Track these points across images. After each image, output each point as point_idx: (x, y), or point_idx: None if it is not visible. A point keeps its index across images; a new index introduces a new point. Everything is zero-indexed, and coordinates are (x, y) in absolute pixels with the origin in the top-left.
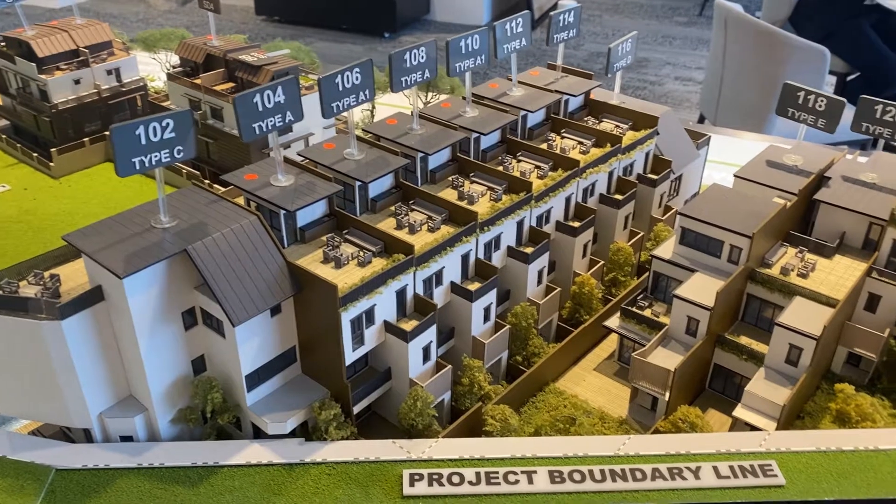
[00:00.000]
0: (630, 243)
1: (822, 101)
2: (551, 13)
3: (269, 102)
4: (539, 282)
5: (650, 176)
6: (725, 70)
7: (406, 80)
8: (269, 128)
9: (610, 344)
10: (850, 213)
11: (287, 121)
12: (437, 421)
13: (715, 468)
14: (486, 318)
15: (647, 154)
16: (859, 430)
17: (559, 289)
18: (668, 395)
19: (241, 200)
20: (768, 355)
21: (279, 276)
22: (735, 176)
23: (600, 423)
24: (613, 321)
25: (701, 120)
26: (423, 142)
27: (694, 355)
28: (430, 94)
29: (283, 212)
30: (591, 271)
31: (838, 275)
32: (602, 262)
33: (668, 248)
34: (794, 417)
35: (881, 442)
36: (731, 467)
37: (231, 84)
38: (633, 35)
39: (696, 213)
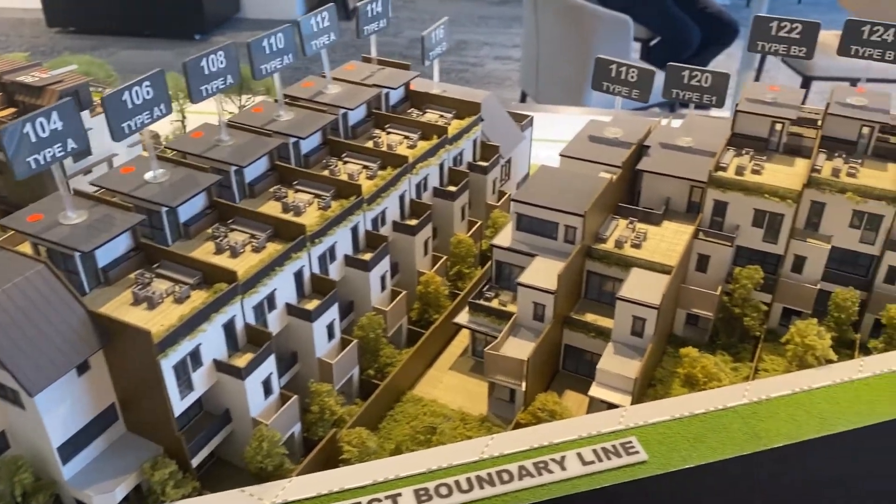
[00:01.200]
0: (469, 234)
1: (633, 72)
2: (358, 3)
3: (44, 131)
4: (383, 288)
5: (480, 163)
6: (540, 46)
7: (206, 90)
8: (48, 160)
9: (462, 340)
10: (672, 179)
11: (69, 149)
12: (289, 458)
13: (579, 455)
14: (331, 336)
15: (475, 141)
16: (708, 391)
17: (405, 291)
18: (524, 385)
19: (26, 247)
20: (614, 330)
21: (81, 329)
22: (561, 155)
23: (462, 426)
24: (463, 317)
25: (523, 98)
26: (235, 153)
27: (544, 340)
28: (244, 98)
29: (77, 253)
30: (435, 268)
31: (669, 241)
32: (445, 256)
33: (506, 236)
34: (646, 387)
35: (728, 399)
36: (595, 451)
37: (12, 109)
38: (445, 21)
39: (528, 198)
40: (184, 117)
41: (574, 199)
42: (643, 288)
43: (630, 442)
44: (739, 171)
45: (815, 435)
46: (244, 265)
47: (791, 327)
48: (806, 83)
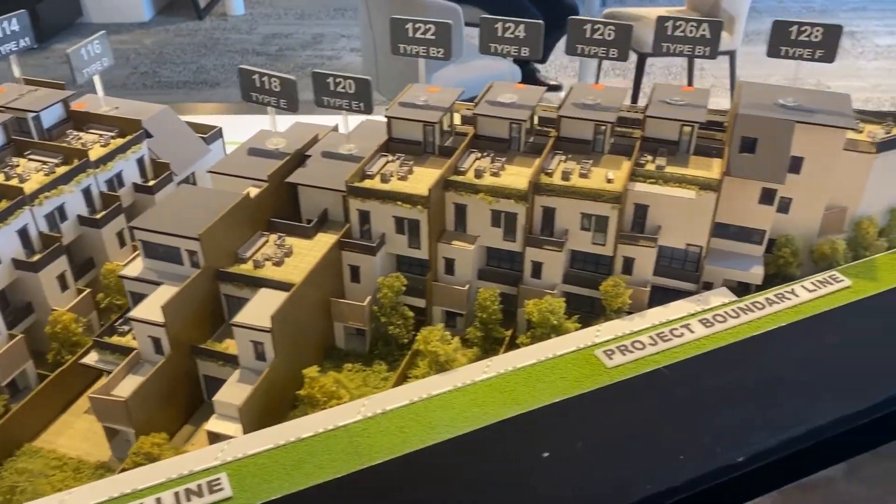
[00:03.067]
0: (129, 260)
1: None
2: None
3: None
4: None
5: (147, 184)
6: (376, 37)
7: None
8: None
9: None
10: (325, 191)
11: None
12: None
13: (158, 500)
14: None
15: (142, 160)
16: (319, 412)
17: (21, 335)
18: (131, 427)
19: None
20: (239, 356)
21: None
22: (209, 171)
23: (73, 475)
24: (92, 356)
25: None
26: None
27: (158, 375)
28: None
29: None
30: (74, 303)
31: (316, 255)
32: (88, 290)
33: (138, 264)
34: (268, 414)
35: (342, 418)
36: (176, 493)
37: None
38: (101, 35)
39: (147, 223)
40: None
41: (197, 221)
42: (261, 310)
43: (218, 479)
44: (385, 178)
45: (420, 446)
46: None
47: (419, 334)
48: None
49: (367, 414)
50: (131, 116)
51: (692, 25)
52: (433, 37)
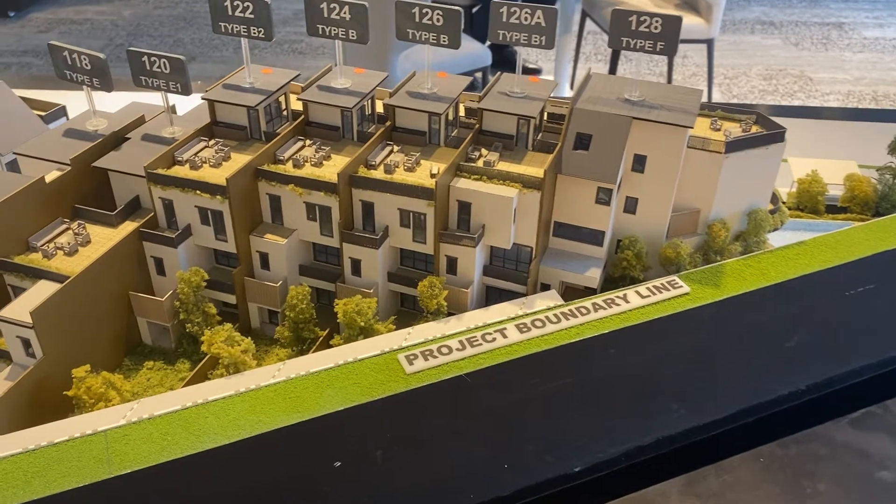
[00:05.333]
0: None
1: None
2: None
3: None
4: None
5: None
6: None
7: None
8: None
9: None
10: (122, 175)
11: None
12: None
13: None
14: None
15: None
16: (84, 415)
17: None
18: None
19: None
20: (10, 352)
21: None
22: (14, 153)
23: None
24: None
25: None
26: None
27: None
28: None
29: None
30: None
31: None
32: None
33: None
34: (38, 417)
35: (103, 422)
36: None
37: None
38: None
39: None
40: None
41: None
42: (33, 302)
43: None
44: (194, 165)
45: (180, 454)
46: None
47: (204, 335)
48: None
49: (133, 419)
50: None
51: (527, 13)
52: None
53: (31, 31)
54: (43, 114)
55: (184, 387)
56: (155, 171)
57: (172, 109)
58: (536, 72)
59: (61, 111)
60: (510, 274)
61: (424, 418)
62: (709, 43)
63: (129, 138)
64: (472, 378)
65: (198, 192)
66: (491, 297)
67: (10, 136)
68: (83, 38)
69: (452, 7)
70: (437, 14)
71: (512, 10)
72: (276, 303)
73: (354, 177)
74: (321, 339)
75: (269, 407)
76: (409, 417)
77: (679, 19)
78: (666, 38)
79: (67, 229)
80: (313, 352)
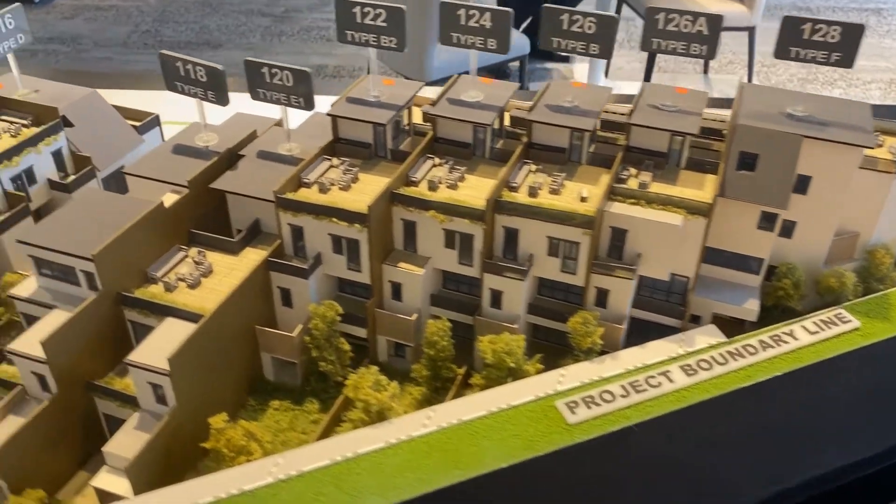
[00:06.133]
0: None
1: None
2: None
3: None
4: None
5: (65, 181)
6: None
7: None
8: None
9: None
10: (259, 200)
11: None
12: None
13: None
14: None
15: (59, 153)
16: (225, 471)
17: None
18: (3, 481)
19: None
20: (139, 398)
21: None
22: (123, 173)
23: None
24: None
25: None
26: None
27: (42, 419)
28: None
29: None
30: None
31: (238, 276)
32: None
33: (31, 283)
34: (169, 467)
35: (248, 480)
36: None
37: None
38: (17, 6)
39: (36, 237)
40: None
41: (95, 236)
42: (166, 344)
43: None
44: (323, 188)
45: None
46: None
47: (349, 379)
48: None
49: (280, 476)
50: (48, 103)
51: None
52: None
53: (56, 18)
54: (137, 124)
55: (322, 434)
56: (285, 196)
57: (279, 123)
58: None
59: (155, 121)
60: (664, 307)
61: (593, 473)
62: (750, 31)
63: (243, 155)
64: (640, 428)
65: (334, 219)
66: (634, 328)
67: (107, 149)
68: (108, 24)
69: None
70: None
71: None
72: (410, 337)
73: (500, 201)
74: (459, 378)
75: (424, 462)
76: (576, 473)
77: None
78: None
79: (185, 258)
80: (454, 393)
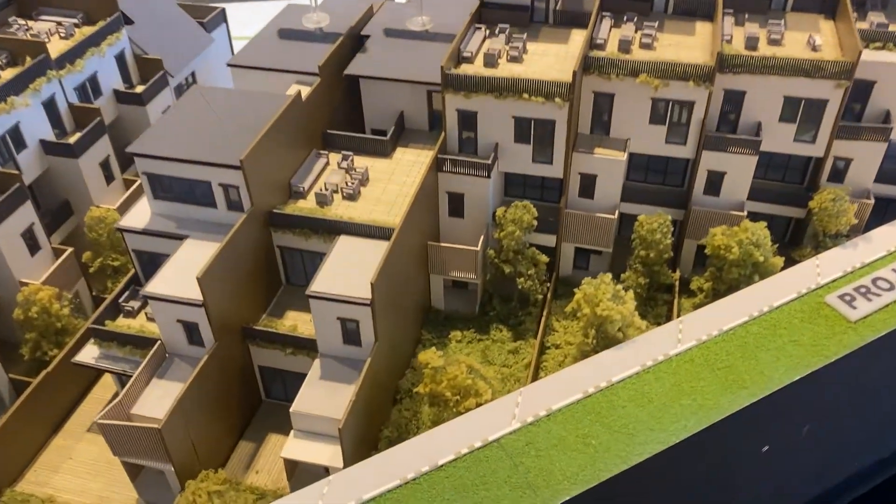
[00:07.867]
0: (121, 203)
1: None
2: None
3: None
4: None
5: (134, 90)
6: None
7: None
8: None
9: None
10: (400, 84)
11: None
12: None
13: None
14: None
15: (122, 56)
16: (452, 421)
17: None
18: (171, 464)
19: None
20: (319, 341)
21: None
22: (229, 65)
23: None
24: (89, 351)
25: None
26: None
27: (202, 381)
28: None
29: None
30: (52, 270)
31: (401, 181)
32: (70, 249)
33: (142, 211)
34: (375, 425)
35: (490, 428)
36: None
37: None
38: None
39: (154, 147)
40: None
41: (232, 140)
42: (351, 270)
43: None
44: (490, 61)
45: (622, 467)
46: None
47: (577, 291)
48: None
49: (527, 419)
50: None
51: None
52: None
53: None
54: (203, 21)
55: (536, 361)
56: (453, 73)
57: None
58: None
59: (221, 16)
60: None
61: (879, 374)
62: None
63: (368, 36)
64: None
65: (524, 95)
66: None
67: (176, 50)
68: None
69: None
70: None
71: None
72: (607, 241)
73: (725, 56)
74: (677, 283)
75: (697, 384)
76: (867, 375)
77: None
78: None
79: (327, 165)
80: (678, 301)
